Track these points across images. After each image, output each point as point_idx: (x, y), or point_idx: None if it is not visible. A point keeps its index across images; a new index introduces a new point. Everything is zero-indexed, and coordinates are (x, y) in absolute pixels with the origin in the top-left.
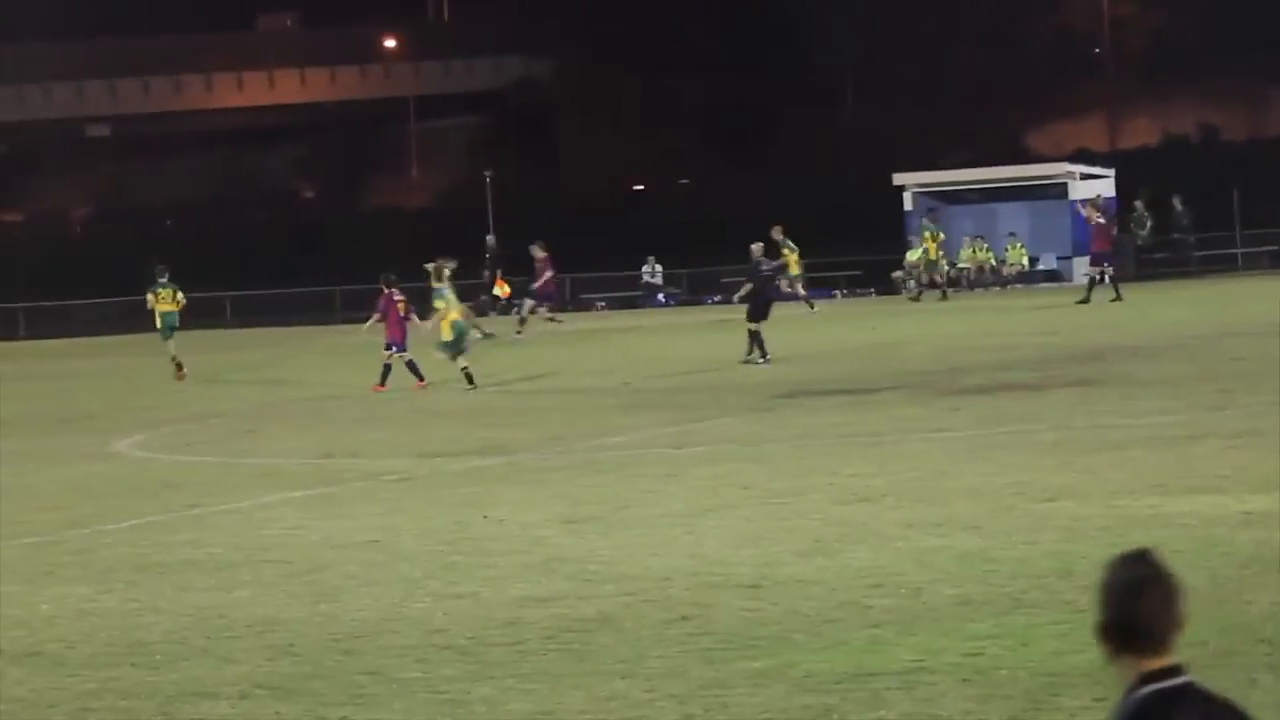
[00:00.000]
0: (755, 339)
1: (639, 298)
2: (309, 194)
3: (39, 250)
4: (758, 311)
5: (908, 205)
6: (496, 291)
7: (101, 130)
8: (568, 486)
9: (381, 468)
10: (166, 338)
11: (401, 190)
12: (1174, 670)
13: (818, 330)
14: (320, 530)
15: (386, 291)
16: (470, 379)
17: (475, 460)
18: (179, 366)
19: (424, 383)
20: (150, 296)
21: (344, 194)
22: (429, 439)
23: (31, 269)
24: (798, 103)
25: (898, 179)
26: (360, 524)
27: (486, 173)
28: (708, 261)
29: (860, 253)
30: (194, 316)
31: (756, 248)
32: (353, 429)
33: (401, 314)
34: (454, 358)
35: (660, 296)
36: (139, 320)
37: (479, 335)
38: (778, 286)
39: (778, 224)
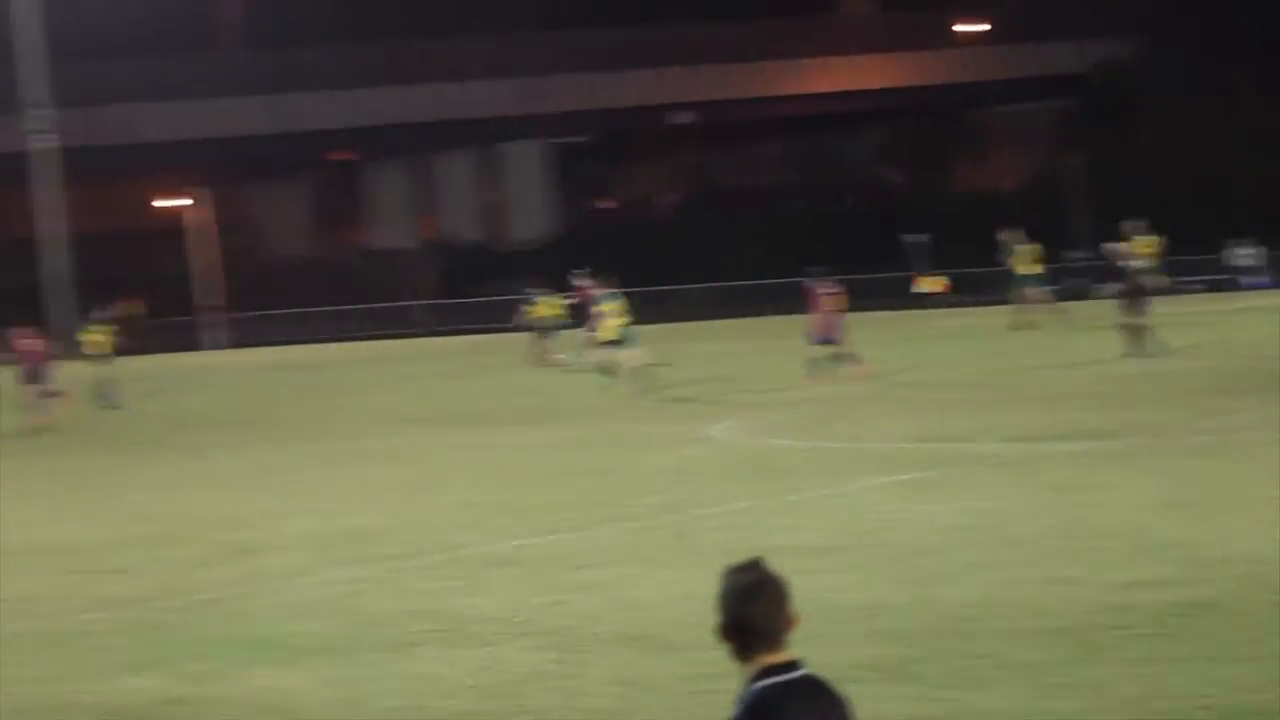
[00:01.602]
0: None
1: (1227, 281)
2: (894, 179)
3: (632, 237)
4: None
5: None
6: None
7: (685, 117)
8: (1167, 470)
9: (975, 451)
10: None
11: (984, 175)
12: (790, 665)
13: None
14: (921, 514)
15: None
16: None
17: (1067, 444)
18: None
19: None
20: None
21: (928, 179)
22: (1018, 423)
23: (626, 256)
24: None
25: None
26: (960, 507)
27: (1070, 157)
28: None
29: None
30: (785, 301)
31: (1116, 246)
32: (940, 413)
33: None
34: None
35: (1253, 279)
36: (736, 305)
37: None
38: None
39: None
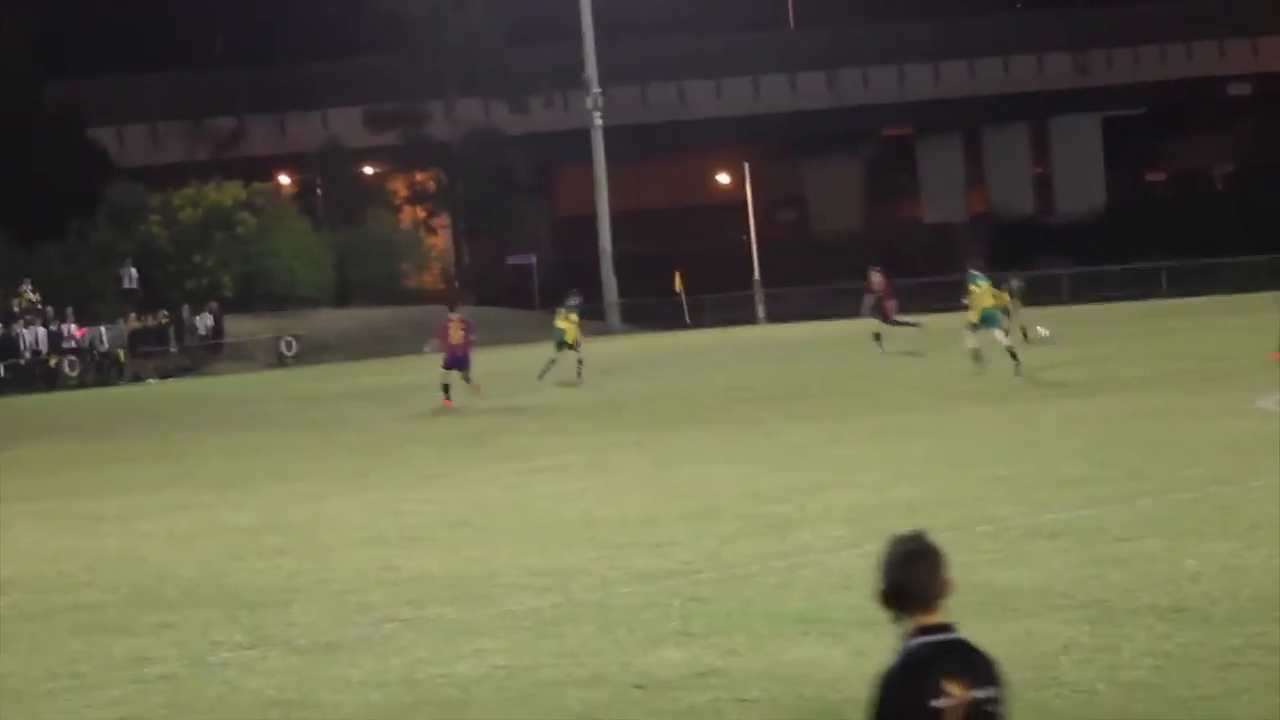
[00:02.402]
0: None
1: None
2: None
3: (1181, 209)
4: None
5: None
6: None
7: (1242, 88)
8: None
9: None
10: None
11: None
12: (943, 627)
13: None
14: None
15: None
16: None
17: None
18: None
19: None
20: None
21: None
22: None
23: (1174, 228)
24: None
25: None
26: None
27: None
28: None
29: None
30: None
31: None
32: None
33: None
34: None
35: None
36: None
37: None
38: None
39: None
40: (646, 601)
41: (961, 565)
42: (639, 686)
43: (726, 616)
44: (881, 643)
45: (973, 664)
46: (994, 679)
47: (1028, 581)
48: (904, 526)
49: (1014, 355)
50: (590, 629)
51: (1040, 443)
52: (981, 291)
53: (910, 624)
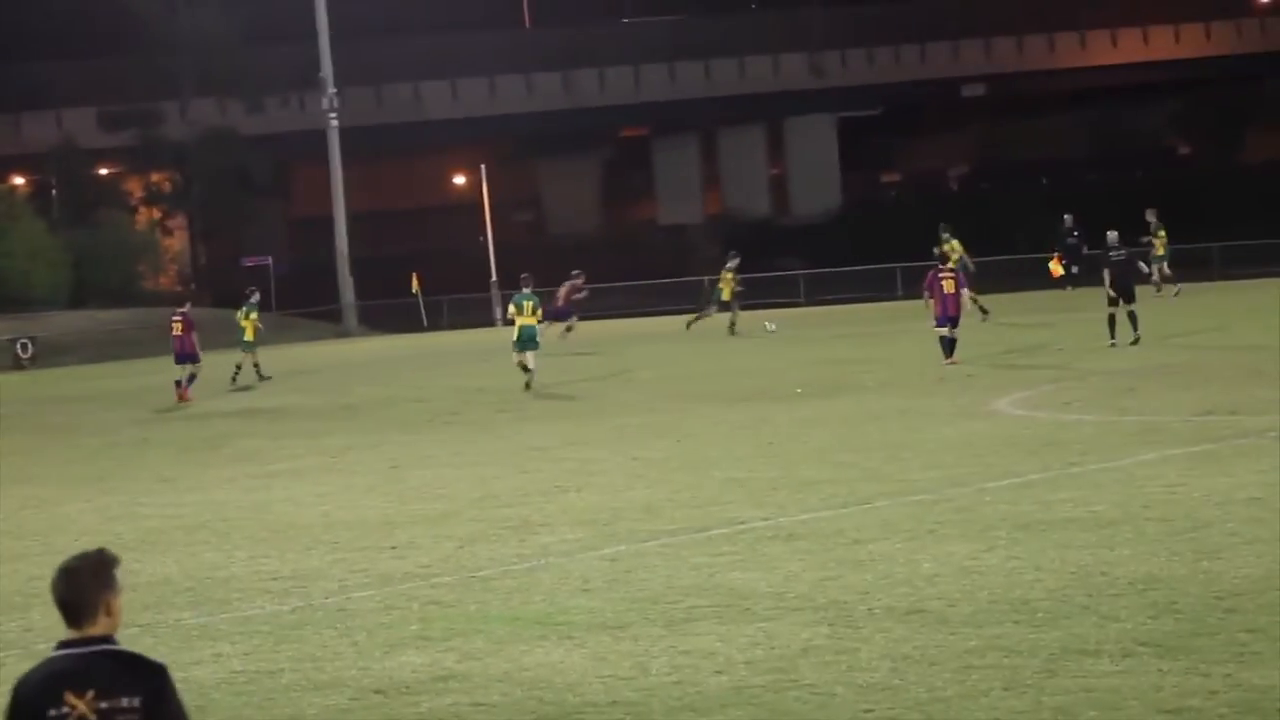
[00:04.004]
0: (1111, 322)
1: None
2: (1184, 151)
3: (916, 210)
4: (1118, 295)
5: None
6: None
7: (976, 89)
8: None
9: (1265, 424)
10: None
11: (1278, 146)
12: (91, 640)
13: None
14: (1201, 487)
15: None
16: None
17: None
18: None
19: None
20: None
21: (1219, 151)
22: None
23: (912, 228)
24: None
25: None
26: (1242, 480)
27: None
28: None
29: None
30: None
31: (1112, 235)
32: (1233, 386)
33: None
34: None
35: None
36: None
37: None
38: (1139, 269)
39: (1152, 207)
40: (385, 605)
41: (700, 568)
42: (378, 691)
43: (465, 620)
44: (622, 646)
45: (110, 675)
46: (137, 689)
47: (766, 584)
48: (641, 528)
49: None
50: (329, 633)
51: (778, 445)
52: (526, 310)
53: (69, 635)
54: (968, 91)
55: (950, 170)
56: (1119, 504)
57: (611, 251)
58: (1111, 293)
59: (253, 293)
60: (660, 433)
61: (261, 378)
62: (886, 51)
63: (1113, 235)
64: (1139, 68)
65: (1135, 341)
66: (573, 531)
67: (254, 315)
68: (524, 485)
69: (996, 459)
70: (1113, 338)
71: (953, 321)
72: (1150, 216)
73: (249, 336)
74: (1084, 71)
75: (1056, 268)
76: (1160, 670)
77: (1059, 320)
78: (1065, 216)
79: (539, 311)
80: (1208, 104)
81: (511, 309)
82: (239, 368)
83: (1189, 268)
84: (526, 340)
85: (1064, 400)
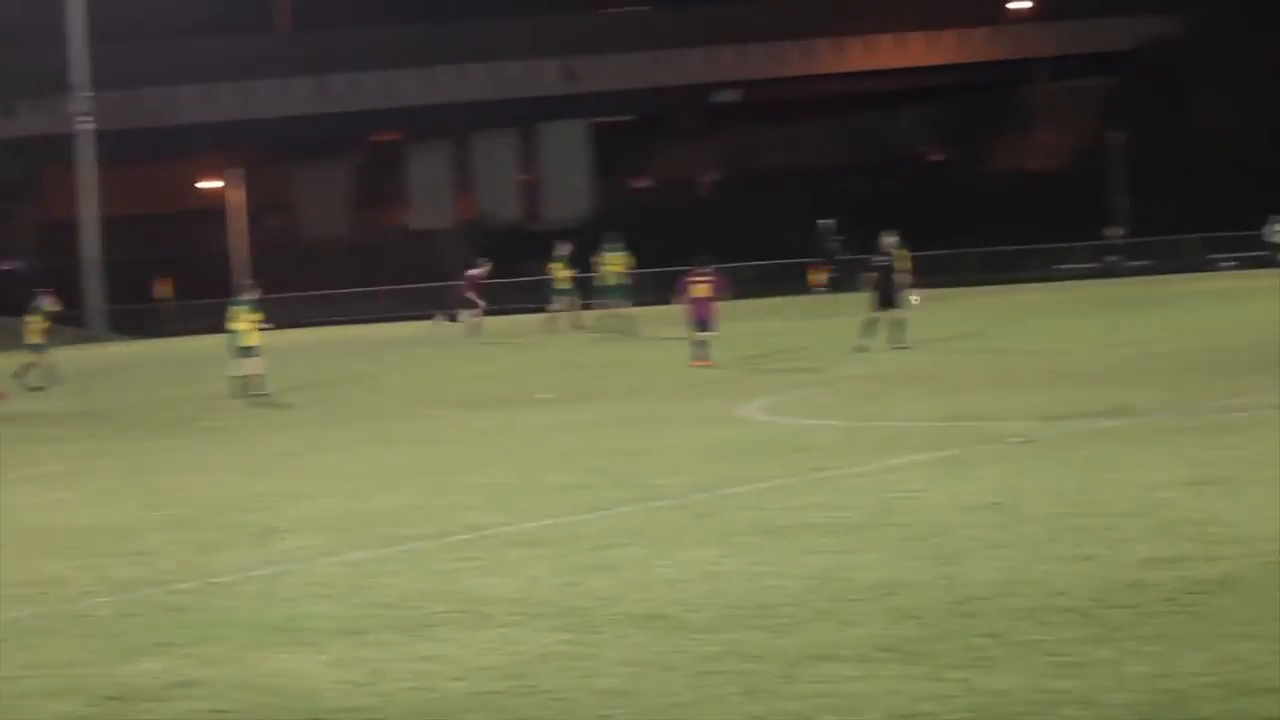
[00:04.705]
0: (871, 326)
1: (1268, 257)
2: (936, 157)
3: (668, 216)
4: (881, 300)
5: None
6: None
7: (730, 96)
8: (1193, 448)
9: (1006, 430)
10: None
11: (1028, 153)
12: None
13: None
14: (944, 493)
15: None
16: None
17: (1101, 421)
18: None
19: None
20: None
21: (970, 157)
22: (1055, 401)
23: (662, 235)
24: None
25: None
26: (984, 486)
27: (1114, 133)
28: None
29: None
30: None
31: (889, 240)
32: (978, 391)
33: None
34: None
35: None
36: (778, 284)
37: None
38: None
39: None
40: (125, 612)
41: (441, 573)
42: (115, 698)
43: (205, 626)
44: (362, 653)
45: None
46: None
47: (507, 589)
48: (384, 534)
49: None
50: (68, 640)
51: (522, 450)
52: (241, 317)
53: None
54: (721, 98)
55: (703, 176)
56: (862, 509)
57: (362, 256)
58: (875, 299)
59: (40, 295)
60: (405, 438)
61: (30, 388)
62: (640, 57)
63: (889, 240)
64: (894, 74)
65: (900, 349)
66: (315, 537)
67: (37, 318)
68: (267, 491)
69: (741, 464)
70: (864, 342)
71: (704, 325)
72: (888, 237)
73: (36, 339)
74: (838, 78)
75: (817, 274)
76: (899, 675)
77: (810, 326)
78: (825, 222)
79: (255, 318)
80: (961, 111)
81: (230, 315)
82: (27, 368)
83: (941, 274)
84: (239, 348)
85: (811, 405)
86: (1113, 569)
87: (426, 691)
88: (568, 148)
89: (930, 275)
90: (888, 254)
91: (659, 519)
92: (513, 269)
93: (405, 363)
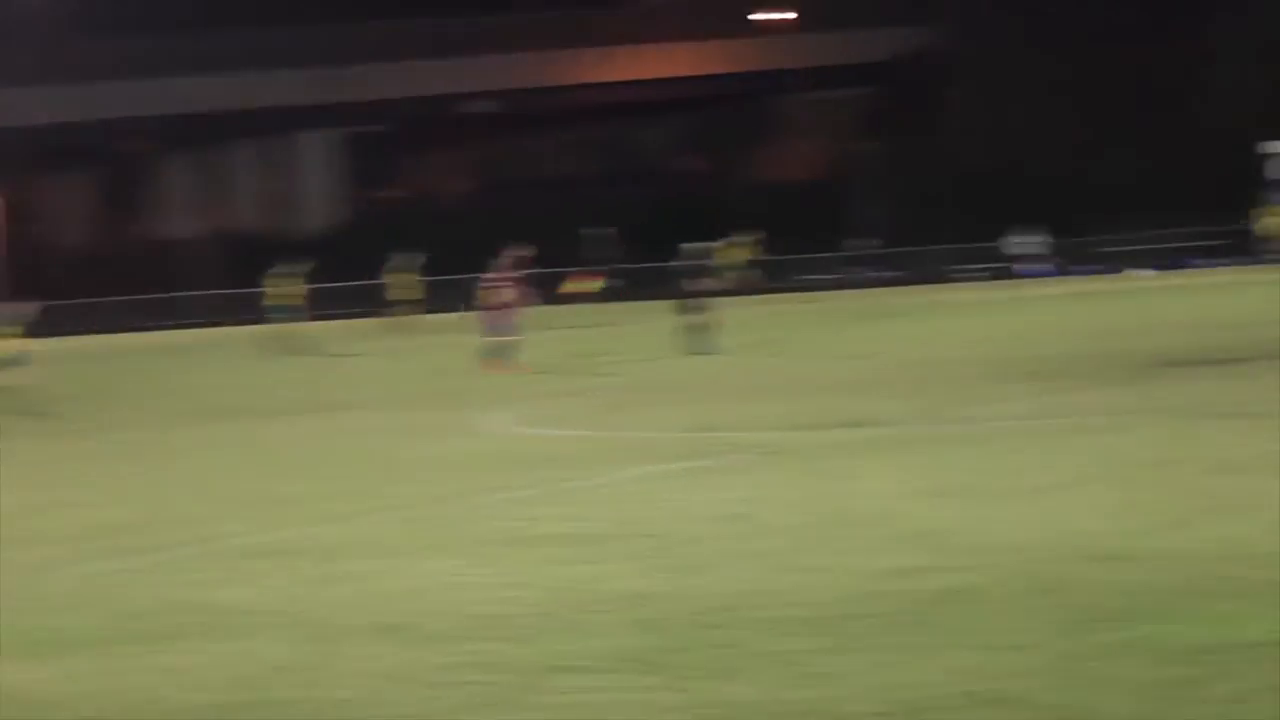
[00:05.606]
0: (697, 331)
1: (1010, 269)
2: (691, 168)
3: (420, 227)
4: (686, 307)
5: (1273, 173)
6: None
7: (484, 106)
8: (932, 458)
9: (750, 440)
10: None
11: (783, 163)
12: None
13: (1187, 300)
14: (689, 503)
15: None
16: None
17: (843, 432)
18: None
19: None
20: None
21: (726, 168)
22: (798, 411)
23: (414, 246)
24: (1174, 72)
25: (1264, 147)
26: (727, 497)
27: (866, 145)
28: (1084, 231)
29: (1232, 221)
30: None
31: (687, 247)
32: (723, 402)
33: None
34: None
35: (1033, 267)
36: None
37: None
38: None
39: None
40: None
41: (182, 585)
42: None
43: None
44: (99, 664)
45: None
46: None
47: (246, 600)
48: (124, 545)
49: None
50: None
51: (261, 460)
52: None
53: None
54: (475, 108)
55: (458, 186)
56: (606, 520)
57: (109, 267)
58: (681, 304)
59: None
60: (149, 449)
61: None
62: (395, 67)
63: (689, 248)
64: (649, 84)
65: (707, 353)
66: (55, 548)
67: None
68: (2, 503)
69: (486, 474)
70: (682, 347)
71: (499, 330)
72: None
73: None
74: (593, 88)
75: (587, 284)
76: (641, 686)
77: (560, 336)
78: (598, 230)
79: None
80: (716, 121)
81: None
82: None
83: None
84: None
85: (559, 415)
86: (853, 579)
87: (165, 703)
88: (321, 158)
89: (667, 289)
90: (695, 260)
91: (400, 529)
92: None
93: (152, 374)
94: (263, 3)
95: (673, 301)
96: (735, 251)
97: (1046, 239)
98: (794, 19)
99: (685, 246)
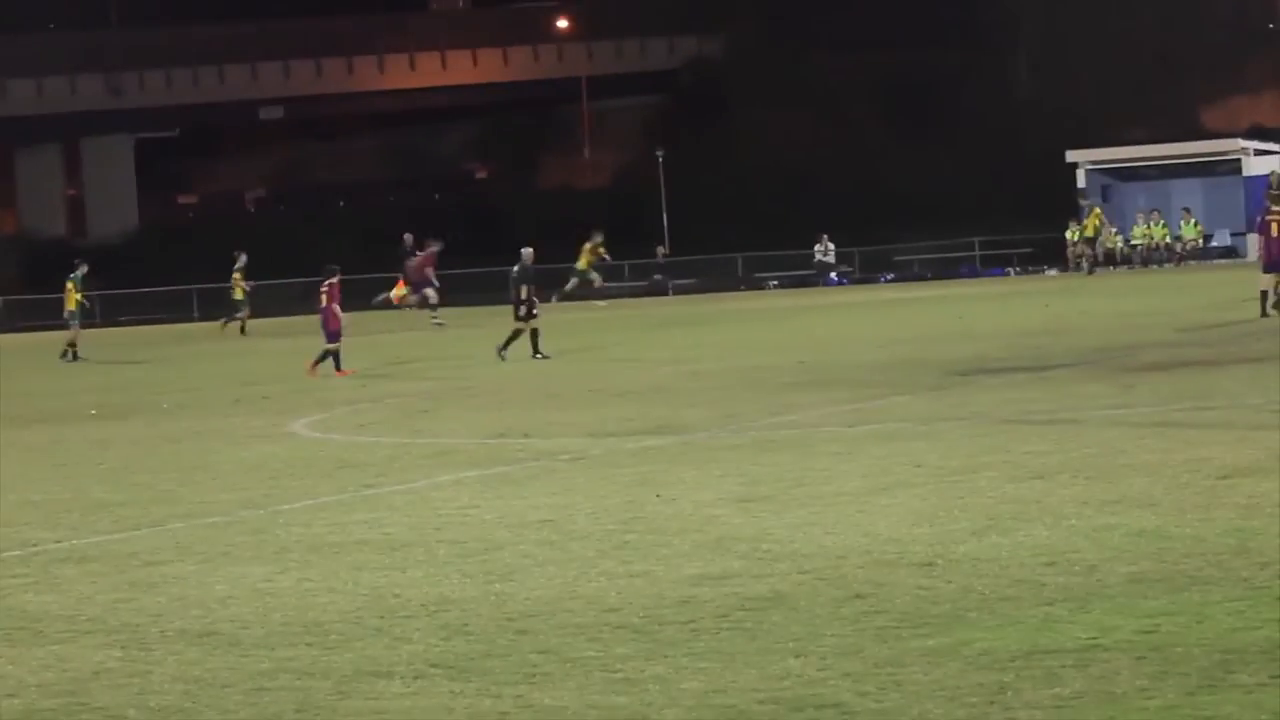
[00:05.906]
0: (531, 336)
1: (811, 277)
2: (482, 175)
3: (214, 233)
4: (525, 312)
5: (1080, 183)
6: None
7: (275, 113)
8: (742, 465)
9: (557, 447)
10: None
11: (574, 171)
12: None
13: (992, 308)
14: (495, 510)
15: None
16: None
17: (650, 439)
18: None
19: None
20: None
21: (517, 175)
22: (605, 418)
23: (206, 251)
24: (973, 79)
25: (1071, 156)
26: (534, 503)
27: (659, 152)
28: (881, 240)
29: (1037, 230)
30: (369, 298)
31: (525, 252)
32: (529, 408)
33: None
34: None
35: (833, 275)
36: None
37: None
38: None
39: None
40: None
41: None
42: None
43: None
44: None
45: None
46: None
47: (58, 607)
48: None
49: None
50: None
51: (71, 466)
52: None
53: None
54: (266, 114)
55: (248, 192)
56: (412, 526)
57: None
58: (521, 310)
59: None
60: None
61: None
62: (184, 73)
63: (526, 252)
64: (441, 91)
65: (538, 356)
66: None
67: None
68: None
69: (291, 481)
70: (503, 353)
71: (332, 335)
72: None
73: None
74: (385, 95)
75: (399, 290)
76: (452, 692)
77: (362, 342)
78: (405, 236)
79: None
80: (504, 128)
81: None
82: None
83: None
84: None
85: (360, 422)
86: (664, 585)
87: None
88: (112, 163)
89: (472, 293)
90: (528, 265)
91: (209, 536)
92: (55, 286)
93: None
94: (53, 6)
95: (489, 308)
96: (587, 255)
97: (834, 247)
98: (579, 27)
99: (524, 250)
